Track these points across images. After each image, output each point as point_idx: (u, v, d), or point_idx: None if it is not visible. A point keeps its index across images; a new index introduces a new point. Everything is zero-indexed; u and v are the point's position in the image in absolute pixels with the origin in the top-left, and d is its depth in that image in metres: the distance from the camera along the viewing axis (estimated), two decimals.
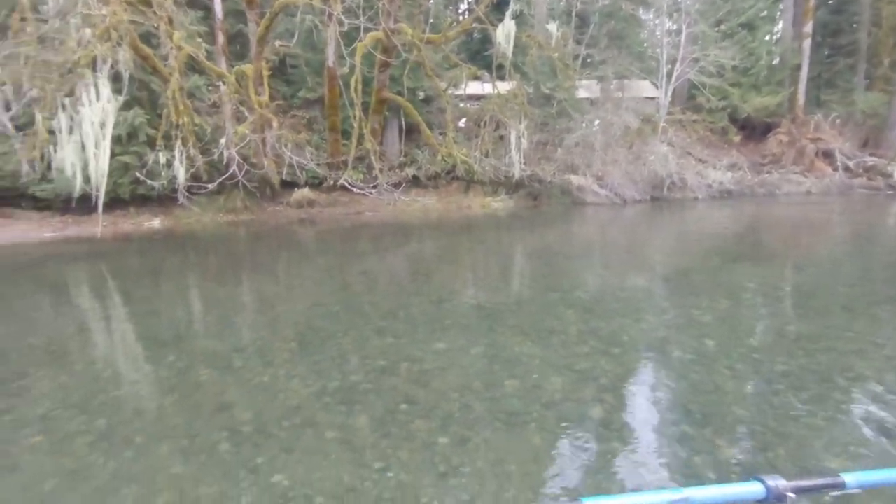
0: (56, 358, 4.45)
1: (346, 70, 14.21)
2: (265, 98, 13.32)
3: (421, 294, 6.42)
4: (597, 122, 17.62)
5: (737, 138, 20.44)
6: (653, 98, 20.03)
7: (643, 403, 3.39)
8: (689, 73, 18.77)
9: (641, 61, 19.82)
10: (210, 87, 14.57)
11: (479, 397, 3.44)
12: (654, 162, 16.55)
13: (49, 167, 10.55)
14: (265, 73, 13.69)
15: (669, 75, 18.71)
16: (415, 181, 16.51)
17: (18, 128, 11.84)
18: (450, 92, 17.12)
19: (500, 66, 15.70)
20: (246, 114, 12.96)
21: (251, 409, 3.33)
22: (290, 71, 17.41)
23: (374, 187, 14.96)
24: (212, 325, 5.50)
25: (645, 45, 21.48)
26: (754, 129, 21.03)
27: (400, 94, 15.58)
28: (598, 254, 9.56)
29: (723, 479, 2.51)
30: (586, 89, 18.32)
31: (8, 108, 10.86)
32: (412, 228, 13.20)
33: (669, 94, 18.87)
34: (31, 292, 7.24)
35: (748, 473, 2.55)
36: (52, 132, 10.03)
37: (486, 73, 16.78)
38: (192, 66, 13.19)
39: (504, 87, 16.31)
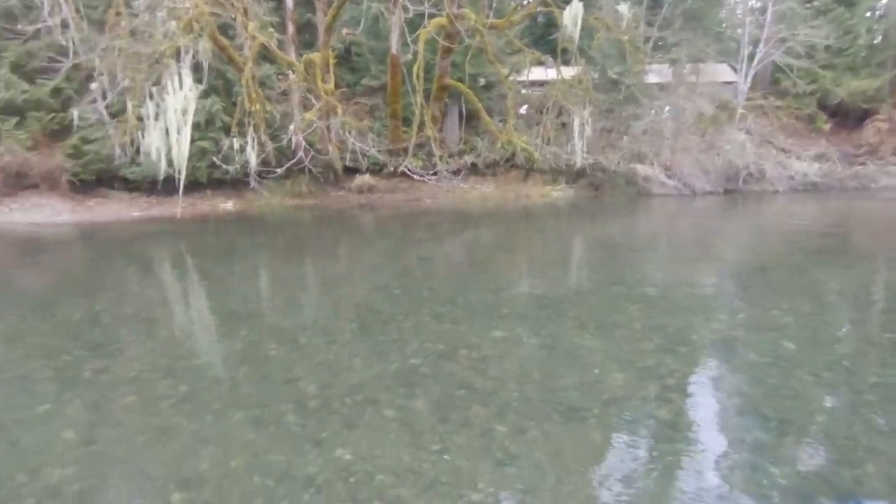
0: (144, 326, 4.86)
1: (409, 57, 14.30)
2: (331, 86, 13.69)
3: (478, 281, 6.42)
4: (667, 108, 16.68)
5: (826, 126, 18.65)
6: (730, 83, 18.69)
7: (713, 405, 3.22)
8: (774, 54, 17.30)
9: (719, 43, 18.47)
10: (280, 76, 15.16)
11: (537, 388, 3.41)
12: (730, 151, 15.46)
13: (138, 151, 11.44)
14: (331, 61, 14.04)
15: (751, 57, 17.36)
16: (473, 169, 16.46)
17: (112, 115, 12.90)
18: (511, 78, 16.82)
19: (565, 51, 15.20)
20: (313, 101, 13.39)
21: (316, 385, 3.49)
22: (355, 59, 17.77)
23: (434, 174, 15.04)
24: (279, 303, 5.79)
25: (724, 25, 19.97)
26: (847, 116, 19.08)
27: (461, 80, 15.50)
28: (666, 247, 9.12)
29: (801, 492, 2.34)
30: (657, 74, 17.38)
31: (104, 96, 11.85)
32: (470, 216, 13.20)
33: (750, 77, 17.52)
34: (123, 267, 7.93)
35: (832, 490, 2.36)
36: (140, 119, 10.85)
37: (550, 58, 16.31)
38: (264, 55, 13.76)
39: (568, 72, 15.80)
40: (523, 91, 18.65)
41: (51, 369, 3.76)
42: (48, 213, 12.97)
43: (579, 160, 14.96)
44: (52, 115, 13.40)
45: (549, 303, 5.38)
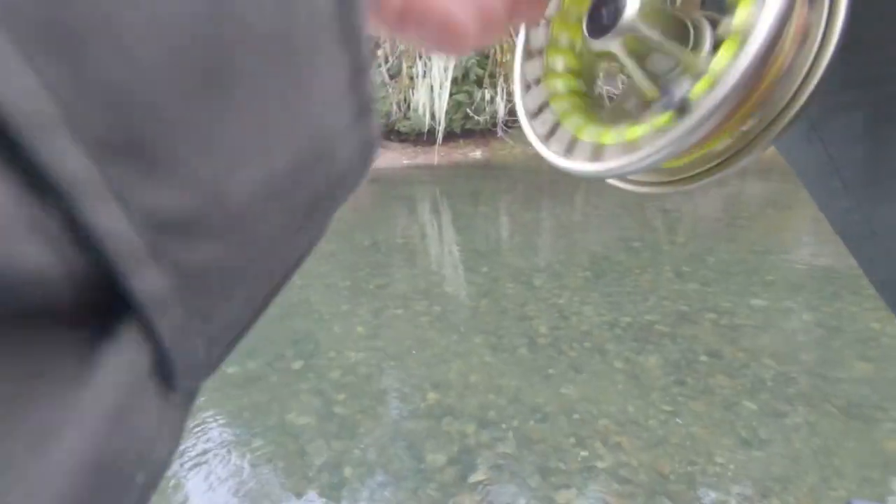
0: (408, 255, 5.86)
1: None
2: None
3: (737, 241, 5.53)
4: None
5: None
6: None
7: None
8: None
9: None
10: None
11: (806, 371, 2.85)
12: None
13: (409, 107, 13.33)
14: None
15: None
16: None
17: (391, 77, 15.22)
18: None
19: None
20: None
21: (546, 325, 3.66)
22: None
23: None
24: (516, 244, 6.15)
25: None
26: None
27: None
28: None
29: None
30: None
31: (387, 61, 14.01)
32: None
33: None
34: (395, 205, 9.59)
35: None
36: (411, 78, 12.53)
37: None
38: None
39: None
40: None
41: (350, 280, 4.92)
42: None
43: None
44: None
45: (839, 276, 4.29)
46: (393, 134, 17.34)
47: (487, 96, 13.83)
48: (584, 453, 2.33)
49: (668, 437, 2.41)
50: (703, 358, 3.06)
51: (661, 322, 3.58)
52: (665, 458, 2.27)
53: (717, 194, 8.65)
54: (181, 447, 2.55)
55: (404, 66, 12.36)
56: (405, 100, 13.55)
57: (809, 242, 5.55)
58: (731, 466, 2.20)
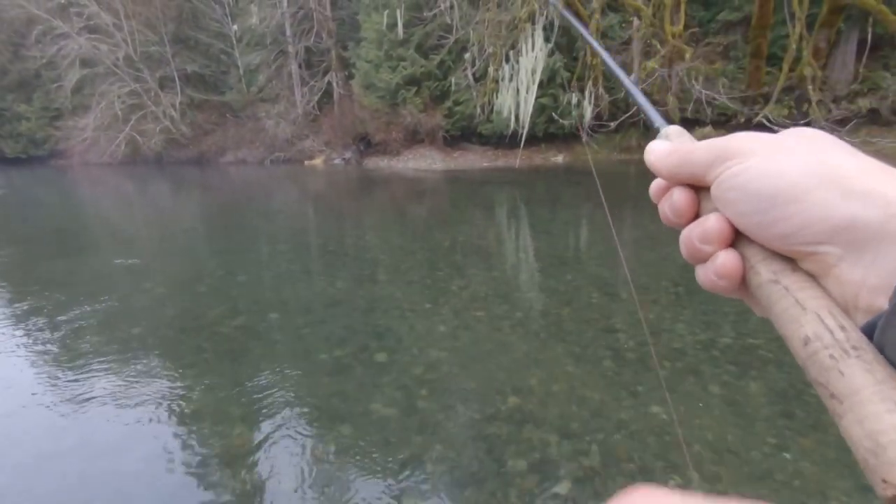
0: (489, 257, 5.87)
1: None
2: (679, 27, 12.39)
3: None
4: None
5: None
6: None
7: None
8: None
9: None
10: (623, 25, 14.65)
11: None
12: None
13: (492, 110, 13.35)
14: None
15: None
16: (872, 117, 12.31)
17: (476, 79, 15.33)
18: None
19: None
20: (658, 47, 12.48)
21: (634, 339, 3.51)
22: None
23: (807, 125, 11.98)
24: (601, 253, 5.95)
25: None
26: None
27: None
28: None
29: None
30: None
31: (473, 64, 14.15)
32: None
33: None
34: (474, 207, 9.64)
35: None
36: (496, 81, 12.55)
37: None
38: (610, 4, 13.50)
39: None
40: None
41: (430, 279, 5.02)
42: (428, 161, 16.78)
43: None
44: (436, 83, 16.93)
45: None
46: (475, 136, 17.51)
47: (574, 100, 13.54)
48: (676, 478, 2.21)
49: (772, 471, 2.21)
50: (814, 389, 2.77)
51: (763, 347, 3.30)
52: (769, 495, 2.09)
53: None
54: (277, 424, 2.75)
55: (490, 68, 12.42)
56: (489, 102, 13.63)
57: None
58: None
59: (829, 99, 12.31)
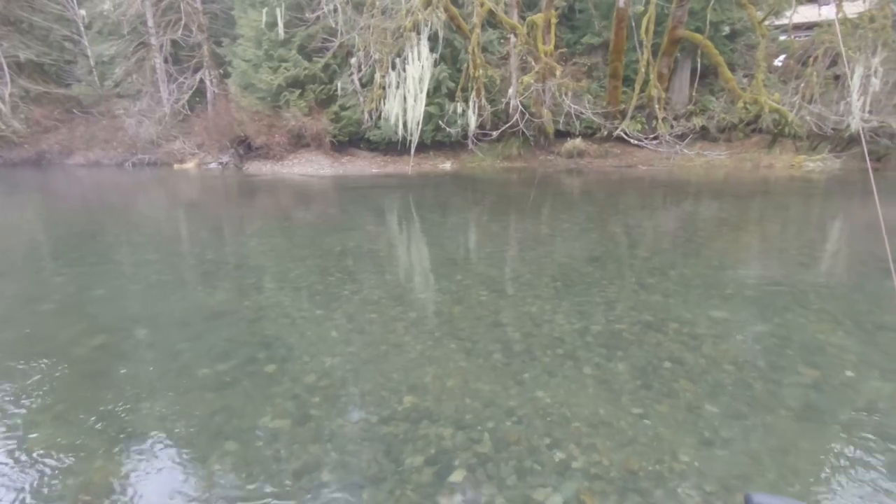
0: (380, 261, 5.86)
1: (639, 8, 13.13)
2: (550, 46, 13.54)
3: (698, 257, 5.84)
4: None
5: None
6: None
7: None
8: None
9: None
10: (502, 41, 15.61)
11: (761, 377, 3.04)
12: None
13: (380, 117, 13.35)
14: (553, 20, 13.82)
15: None
16: (703, 133, 14.55)
17: (363, 85, 15.23)
18: (767, 23, 14.02)
19: None
20: (532, 63, 13.49)
21: (520, 332, 3.75)
22: (577, 17, 17.10)
23: (654, 139, 13.82)
24: (488, 254, 6.25)
25: None
26: None
27: (699, 30, 13.59)
28: None
29: None
30: None
31: (359, 69, 14.04)
32: (690, 186, 11.81)
33: None
34: (365, 213, 9.55)
35: None
36: (384, 88, 12.59)
37: None
38: (489, 20, 14.31)
39: (854, 8, 12.44)
40: (781, 38, 15.41)
41: (322, 285, 4.87)
42: (315, 166, 16.25)
43: (856, 123, 11.88)
44: (322, 86, 16.50)
45: (789, 290, 4.60)
46: (363, 142, 17.34)
47: (459, 109, 14.08)
48: (559, 453, 2.41)
49: (637, 437, 2.52)
50: (668, 364, 3.21)
51: (627, 330, 3.73)
52: (635, 458, 2.37)
53: (676, 212, 9.10)
54: (148, 450, 2.47)
55: (377, 74, 12.44)
56: (377, 109, 13.64)
57: (759, 259, 5.92)
58: (696, 464, 2.32)
59: (672, 117, 14.31)
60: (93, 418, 2.72)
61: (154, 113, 19.98)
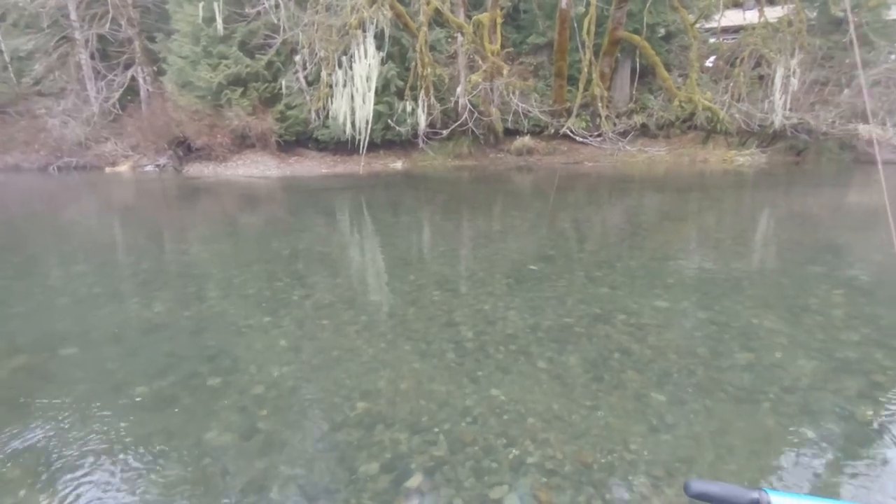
0: (332, 263, 5.72)
1: (580, 10, 13.52)
2: (497, 46, 13.70)
3: (641, 249, 6.07)
4: None
5: None
6: None
7: None
8: None
9: None
10: (449, 39, 15.63)
11: (702, 363, 3.19)
12: None
13: (328, 116, 13.05)
14: (499, 20, 13.98)
15: None
16: (643, 130, 15.18)
17: (309, 84, 14.83)
18: (699, 25, 14.81)
19: None
20: (480, 62, 13.60)
21: (473, 330, 3.76)
22: (522, 17, 17.39)
23: (598, 136, 14.29)
24: (441, 253, 6.24)
25: None
26: None
27: (637, 32, 14.17)
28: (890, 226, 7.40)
29: None
30: None
31: (305, 67, 13.66)
32: (633, 181, 12.30)
33: None
34: (315, 214, 9.30)
35: None
36: (331, 86, 12.31)
37: None
38: (436, 19, 14.30)
39: (774, 13, 13.34)
40: (711, 40, 16.32)
41: (270, 291, 4.69)
42: (262, 167, 15.69)
43: (778, 120, 12.77)
44: (265, 84, 15.93)
45: (725, 278, 4.86)
46: (311, 142, 16.89)
47: (408, 108, 13.98)
48: (514, 451, 2.42)
49: (589, 429, 2.57)
50: (616, 355, 3.31)
51: (577, 324, 3.82)
52: (588, 449, 2.42)
53: (621, 206, 9.45)
54: (77, 482, 2.28)
55: (324, 73, 12.15)
56: (324, 107, 13.31)
57: (698, 250, 6.24)
58: (644, 452, 2.40)
59: (614, 115, 14.84)
60: (12, 449, 2.48)
61: (81, 113, 18.62)
